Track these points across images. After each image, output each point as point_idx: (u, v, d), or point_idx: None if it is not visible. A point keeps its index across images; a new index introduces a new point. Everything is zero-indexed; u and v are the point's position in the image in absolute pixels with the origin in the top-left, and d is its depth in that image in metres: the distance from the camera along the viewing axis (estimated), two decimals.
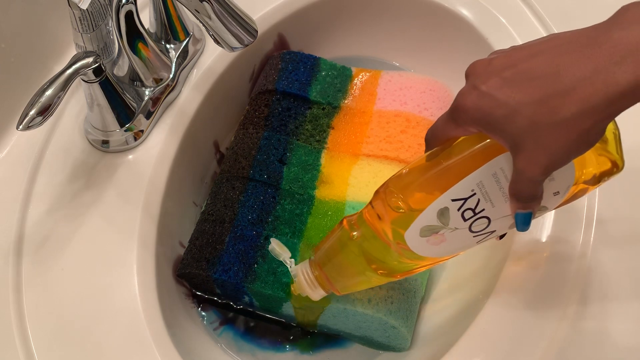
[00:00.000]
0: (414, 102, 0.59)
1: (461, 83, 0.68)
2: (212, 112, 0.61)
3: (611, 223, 0.50)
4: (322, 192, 0.55)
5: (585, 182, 0.40)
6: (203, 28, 0.47)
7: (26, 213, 0.52)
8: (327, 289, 0.45)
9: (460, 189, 0.38)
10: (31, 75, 0.56)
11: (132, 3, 0.49)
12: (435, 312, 0.55)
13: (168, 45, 0.58)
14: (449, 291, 0.56)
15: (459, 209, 0.38)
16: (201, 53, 0.60)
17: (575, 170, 0.39)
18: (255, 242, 0.52)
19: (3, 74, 0.54)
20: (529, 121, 0.33)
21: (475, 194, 0.38)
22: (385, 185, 0.41)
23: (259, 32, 0.48)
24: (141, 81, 0.55)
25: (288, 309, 0.53)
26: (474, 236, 0.40)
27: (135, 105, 0.54)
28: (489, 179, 0.38)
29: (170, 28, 0.57)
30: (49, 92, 0.44)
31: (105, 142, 0.54)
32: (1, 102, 0.54)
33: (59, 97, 0.44)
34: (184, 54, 0.58)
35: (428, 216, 0.39)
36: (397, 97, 0.60)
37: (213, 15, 0.45)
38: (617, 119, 0.55)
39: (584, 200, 0.51)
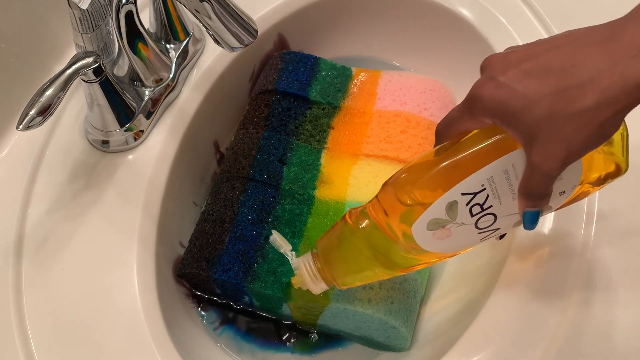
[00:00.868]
0: (414, 102, 0.59)
1: (461, 83, 0.68)
2: (212, 112, 0.61)
3: (611, 219, 0.50)
4: (322, 192, 0.55)
5: (589, 183, 0.40)
6: (203, 28, 0.47)
7: (26, 213, 0.52)
8: (329, 281, 0.45)
9: (471, 182, 0.38)
10: (31, 76, 0.56)
11: (132, 3, 0.49)
12: (435, 312, 0.55)
13: (168, 45, 0.58)
14: (449, 291, 0.56)
15: (467, 204, 0.38)
16: (201, 53, 0.60)
17: (582, 171, 0.39)
18: (255, 242, 0.52)
19: (3, 74, 0.54)
20: (546, 112, 0.33)
21: (485, 189, 0.38)
22: (394, 178, 0.41)
23: (259, 32, 0.48)
24: (141, 81, 0.55)
25: (288, 309, 0.53)
26: (478, 233, 0.40)
27: (135, 105, 0.54)
28: (500, 174, 0.38)
29: (170, 28, 0.57)
30: (49, 92, 0.44)
31: (105, 142, 0.54)
32: (1, 102, 0.54)
33: (59, 97, 0.44)
34: (184, 54, 0.58)
35: (437, 209, 0.39)
36: (397, 97, 0.60)
37: (213, 15, 0.45)
38: None
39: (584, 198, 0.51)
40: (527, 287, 0.48)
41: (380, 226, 0.41)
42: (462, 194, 0.38)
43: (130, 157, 0.55)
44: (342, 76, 0.62)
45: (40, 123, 0.44)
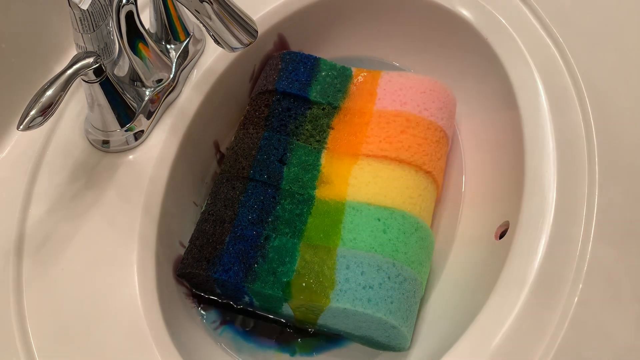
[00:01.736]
0: (414, 102, 0.59)
1: (461, 83, 0.69)
2: (213, 112, 0.61)
3: (611, 219, 0.50)
4: (322, 192, 0.55)
5: None
6: (203, 28, 0.47)
7: (27, 213, 0.52)
8: None
9: None
10: (32, 76, 0.56)
11: (133, 3, 0.50)
12: (435, 312, 0.55)
13: (168, 46, 0.58)
14: (449, 291, 0.56)
15: None
16: (201, 53, 0.60)
17: None
18: (255, 242, 0.52)
19: (3, 74, 0.54)
20: None
21: None
22: None
23: (259, 33, 0.48)
24: (141, 81, 0.55)
25: (288, 308, 0.53)
26: None
27: (135, 105, 0.54)
28: None
29: (171, 28, 0.57)
30: (49, 93, 0.44)
31: (105, 142, 0.54)
32: (2, 102, 0.55)
33: (59, 98, 0.45)
34: (184, 54, 0.58)
35: None
36: (397, 97, 0.60)
37: (213, 16, 0.45)
38: (617, 117, 0.55)
39: (583, 198, 0.51)
40: (527, 287, 0.48)
41: None
42: None
43: (130, 157, 0.55)
44: (342, 76, 0.62)
45: (41, 123, 0.44)
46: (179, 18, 0.57)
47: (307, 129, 0.59)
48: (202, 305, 0.57)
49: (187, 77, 0.59)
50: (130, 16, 0.50)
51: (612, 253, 0.49)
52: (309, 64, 0.62)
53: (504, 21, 0.61)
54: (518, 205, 0.52)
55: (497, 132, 0.61)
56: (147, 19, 0.56)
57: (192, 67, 0.59)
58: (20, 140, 0.55)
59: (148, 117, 0.55)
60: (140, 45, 0.53)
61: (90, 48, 0.53)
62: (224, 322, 0.56)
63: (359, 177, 0.56)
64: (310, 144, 0.58)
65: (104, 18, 0.52)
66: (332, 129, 0.59)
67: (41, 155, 0.54)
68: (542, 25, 0.60)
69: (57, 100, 0.44)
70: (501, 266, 0.50)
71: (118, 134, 0.54)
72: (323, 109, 0.60)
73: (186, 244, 0.56)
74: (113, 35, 0.54)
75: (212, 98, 0.60)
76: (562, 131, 0.55)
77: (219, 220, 0.54)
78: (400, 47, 0.68)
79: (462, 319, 0.49)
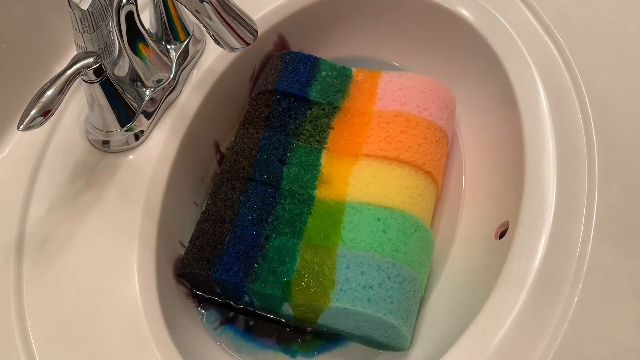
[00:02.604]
0: (414, 102, 0.59)
1: (461, 83, 0.68)
2: (213, 112, 0.61)
3: (611, 219, 0.50)
4: (322, 192, 0.55)
5: None
6: (203, 28, 0.47)
7: (27, 213, 0.52)
8: None
9: None
10: (32, 76, 0.56)
11: (133, 3, 0.50)
12: (435, 312, 0.55)
13: (168, 46, 0.58)
14: (449, 291, 0.56)
15: None
16: (201, 53, 0.60)
17: None
18: (255, 242, 0.52)
19: (4, 74, 0.54)
20: None
21: None
22: None
23: (259, 33, 0.48)
24: (142, 81, 0.55)
25: (288, 308, 0.53)
26: None
27: (135, 105, 0.54)
28: None
29: (171, 28, 0.57)
30: (49, 93, 0.44)
31: (105, 142, 0.54)
32: (2, 102, 0.55)
33: (59, 98, 0.45)
34: (184, 55, 0.58)
35: None
36: (397, 97, 0.60)
37: (213, 16, 0.45)
38: (617, 117, 0.55)
39: (583, 198, 0.51)
40: (527, 287, 0.48)
41: None
42: None
43: (130, 157, 0.55)
44: (342, 76, 0.62)
45: (41, 123, 0.44)
46: (179, 18, 0.57)
47: (307, 129, 0.59)
48: (202, 305, 0.57)
49: (187, 77, 0.59)
50: (130, 16, 0.50)
51: (612, 253, 0.49)
52: (309, 64, 0.62)
53: (504, 21, 0.61)
54: (518, 205, 0.52)
55: (497, 132, 0.61)
56: (147, 19, 0.56)
57: (192, 67, 0.59)
58: (20, 140, 0.55)
59: (148, 117, 0.55)
60: (141, 45, 0.53)
61: (90, 48, 0.53)
62: (224, 322, 0.56)
63: (359, 177, 0.56)
64: (310, 144, 0.58)
65: (104, 18, 0.52)
66: (332, 129, 0.59)
67: (41, 155, 0.54)
68: (542, 25, 0.60)
69: (58, 100, 0.44)
70: (501, 266, 0.50)
71: (118, 134, 0.54)
72: (323, 109, 0.60)
73: (186, 243, 0.56)
74: (113, 35, 0.54)
75: (212, 98, 0.60)
76: (562, 131, 0.55)
77: (219, 220, 0.54)
78: (400, 47, 0.69)
79: (462, 319, 0.49)
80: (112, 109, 0.52)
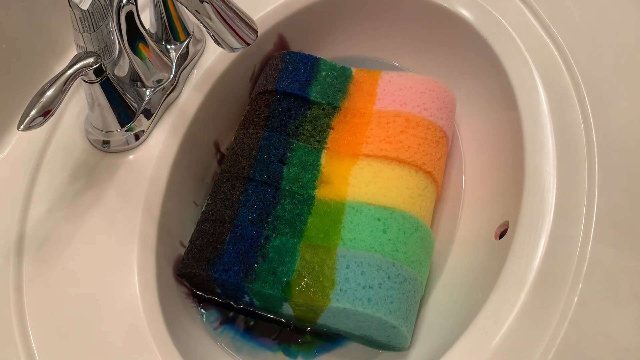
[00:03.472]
0: (414, 102, 0.59)
1: (461, 83, 0.68)
2: (213, 113, 0.61)
3: (611, 219, 0.50)
4: (322, 192, 0.55)
5: None
6: (203, 28, 0.47)
7: (27, 213, 0.52)
8: None
9: None
10: (32, 76, 0.56)
11: (133, 4, 0.50)
12: (435, 312, 0.55)
13: (168, 46, 0.58)
14: (449, 291, 0.56)
15: None
16: (201, 53, 0.60)
17: None
18: (255, 242, 0.52)
19: (4, 74, 0.54)
20: None
21: None
22: None
23: (259, 33, 0.48)
24: (142, 81, 0.55)
25: (288, 308, 0.53)
26: None
27: (135, 105, 0.54)
28: None
29: (171, 28, 0.57)
30: (49, 93, 0.44)
31: (106, 142, 0.54)
32: (2, 102, 0.55)
33: (59, 98, 0.45)
34: (184, 55, 0.58)
35: None
36: (397, 97, 0.60)
37: (213, 16, 0.45)
38: (617, 117, 0.55)
39: (583, 198, 0.51)
40: (527, 287, 0.48)
41: None
42: None
43: (130, 157, 0.55)
44: (342, 76, 0.62)
45: (41, 123, 0.44)
46: (179, 18, 0.57)
47: (307, 129, 0.59)
48: (202, 305, 0.57)
49: (187, 77, 0.59)
50: (130, 16, 0.50)
51: (611, 253, 0.49)
52: (309, 64, 0.62)
53: (503, 21, 0.61)
54: (518, 205, 0.52)
55: (497, 132, 0.61)
56: (147, 19, 0.56)
57: (192, 67, 0.59)
58: (20, 140, 0.55)
59: (148, 117, 0.55)
60: (141, 46, 0.53)
61: (90, 48, 0.53)
62: (224, 322, 0.56)
63: (359, 177, 0.56)
64: (310, 144, 0.58)
65: (104, 18, 0.52)
66: (332, 129, 0.59)
67: (41, 155, 0.54)
68: (542, 25, 0.61)
69: (58, 100, 0.44)
70: (501, 266, 0.50)
71: (118, 134, 0.54)
72: (323, 109, 0.60)
73: (186, 243, 0.56)
74: (113, 36, 0.54)
75: (212, 98, 0.60)
76: (562, 131, 0.55)
77: (219, 220, 0.54)
78: (400, 47, 0.69)
79: (462, 319, 0.49)
80: (112, 109, 0.52)
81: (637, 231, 0.50)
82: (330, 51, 0.68)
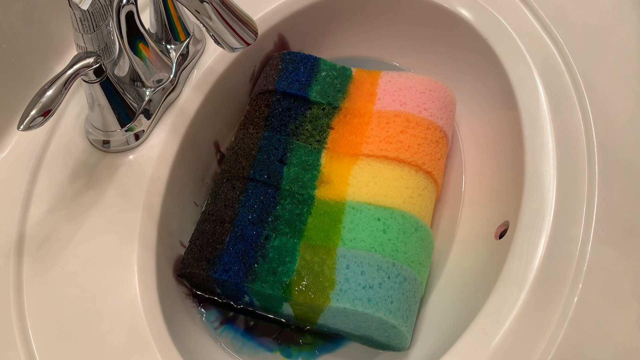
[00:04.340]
0: (414, 102, 0.59)
1: (461, 83, 0.68)
2: (213, 113, 0.61)
3: (611, 219, 0.50)
4: (322, 192, 0.55)
5: None
6: (203, 28, 0.47)
7: (27, 213, 0.52)
8: None
9: None
10: (32, 76, 0.56)
11: (133, 4, 0.50)
12: (435, 312, 0.55)
13: (168, 46, 0.58)
14: (449, 291, 0.56)
15: None
16: (201, 53, 0.60)
17: None
18: (255, 242, 0.52)
19: (4, 74, 0.54)
20: None
21: None
22: None
23: (259, 33, 0.48)
24: (142, 81, 0.55)
25: (288, 308, 0.53)
26: None
27: (135, 105, 0.54)
28: None
29: (171, 28, 0.57)
30: (49, 93, 0.44)
31: (106, 142, 0.54)
32: (2, 102, 0.55)
33: (60, 98, 0.45)
34: (184, 55, 0.58)
35: None
36: (397, 97, 0.60)
37: (213, 16, 0.45)
38: (617, 117, 0.55)
39: (583, 198, 0.51)
40: (527, 287, 0.48)
41: None
42: None
43: (130, 157, 0.55)
44: (342, 76, 0.62)
45: (41, 123, 0.44)
46: (179, 18, 0.57)
47: (307, 129, 0.59)
48: (202, 305, 0.57)
49: (188, 77, 0.59)
50: (130, 16, 0.50)
51: (612, 253, 0.49)
52: (309, 64, 0.62)
53: (503, 21, 0.61)
54: (518, 205, 0.52)
55: (497, 132, 0.61)
56: (147, 19, 0.56)
57: (193, 67, 0.59)
58: (20, 140, 0.55)
59: (148, 117, 0.55)
60: (141, 46, 0.53)
61: (90, 48, 0.53)
62: (224, 322, 0.56)
63: (359, 177, 0.56)
64: (310, 144, 0.58)
65: (104, 18, 0.52)
66: (332, 129, 0.59)
67: (41, 155, 0.54)
68: (541, 25, 0.61)
69: (58, 100, 0.44)
70: (501, 266, 0.50)
71: (118, 134, 0.54)
72: (323, 109, 0.60)
73: (186, 243, 0.56)
74: (113, 36, 0.54)
75: (212, 98, 0.60)
76: (562, 131, 0.55)
77: (219, 220, 0.54)
78: (400, 47, 0.69)
79: (462, 319, 0.49)
80: (112, 109, 0.52)
81: (637, 231, 0.50)
82: (330, 51, 0.68)
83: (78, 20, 0.51)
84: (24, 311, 0.48)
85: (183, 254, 0.55)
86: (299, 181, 0.56)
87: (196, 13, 0.45)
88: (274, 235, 0.53)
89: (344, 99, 0.60)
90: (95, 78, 0.49)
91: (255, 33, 0.47)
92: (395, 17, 0.67)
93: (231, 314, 0.57)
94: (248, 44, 0.47)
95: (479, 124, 0.64)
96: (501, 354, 0.46)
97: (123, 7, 0.49)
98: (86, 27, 0.51)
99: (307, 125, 0.59)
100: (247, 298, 0.54)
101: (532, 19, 0.61)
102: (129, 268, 0.50)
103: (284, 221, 0.54)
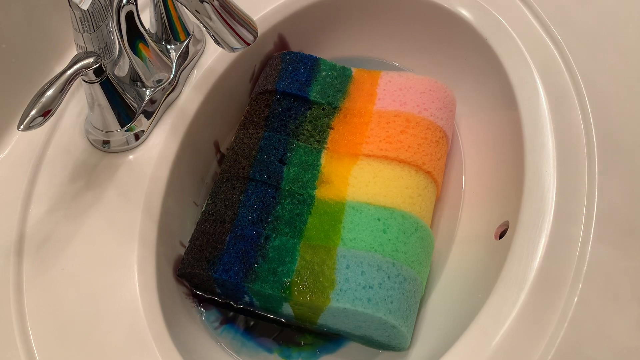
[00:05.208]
0: (414, 102, 0.59)
1: (461, 83, 0.68)
2: (213, 113, 0.61)
3: (611, 219, 0.50)
4: (322, 192, 0.55)
5: None
6: (203, 28, 0.47)
7: (27, 213, 0.52)
8: None
9: None
10: (32, 76, 0.56)
11: (133, 4, 0.50)
12: (435, 312, 0.55)
13: (168, 46, 0.58)
14: (449, 291, 0.56)
15: None
16: (201, 53, 0.60)
17: None
18: (255, 242, 0.52)
19: (4, 74, 0.54)
20: None
21: None
22: None
23: (259, 33, 0.48)
24: (142, 81, 0.55)
25: (288, 308, 0.53)
26: None
27: (135, 105, 0.54)
28: None
29: (171, 28, 0.57)
30: (49, 93, 0.44)
31: (106, 142, 0.54)
32: (2, 102, 0.55)
33: (59, 98, 0.45)
34: (184, 55, 0.58)
35: None
36: (397, 97, 0.60)
37: (213, 16, 0.45)
38: (617, 117, 0.55)
39: (583, 198, 0.51)
40: (527, 287, 0.48)
41: None
42: None
43: (130, 157, 0.55)
44: (342, 77, 0.62)
45: (41, 123, 0.44)
46: (179, 18, 0.57)
47: (307, 129, 0.59)
48: (202, 305, 0.57)
49: (188, 77, 0.59)
50: (130, 16, 0.50)
51: (611, 253, 0.49)
52: (309, 64, 0.62)
53: (504, 21, 0.61)
54: (518, 205, 0.52)
55: (497, 132, 0.61)
56: (147, 19, 0.56)
57: (192, 67, 0.59)
58: (20, 141, 0.55)
59: (148, 117, 0.55)
60: (141, 46, 0.53)
61: (90, 48, 0.53)
62: (224, 322, 0.56)
63: (359, 177, 0.56)
64: (310, 144, 0.58)
65: (104, 18, 0.52)
66: (332, 129, 0.59)
67: (41, 155, 0.54)
68: (541, 25, 0.61)
69: (58, 100, 0.44)
70: (501, 266, 0.50)
71: (118, 134, 0.54)
72: (323, 109, 0.60)
73: (186, 243, 0.56)
74: (113, 36, 0.54)
75: (212, 98, 0.60)
76: (562, 131, 0.55)
77: (219, 220, 0.54)
78: (400, 47, 0.69)
79: (462, 319, 0.49)
80: (112, 109, 0.52)
81: (637, 231, 0.50)
82: (330, 51, 0.68)
83: (78, 20, 0.51)
84: (24, 311, 0.48)
85: (183, 254, 0.55)
86: (299, 181, 0.56)
87: (196, 13, 0.45)
88: (274, 235, 0.53)
89: (344, 99, 0.60)
90: (95, 78, 0.49)
91: (255, 33, 0.47)
92: (395, 17, 0.67)
93: (231, 314, 0.57)
94: (248, 44, 0.47)
95: (479, 124, 0.64)
96: (501, 354, 0.46)
97: (123, 7, 0.49)
98: (86, 27, 0.51)
99: (307, 125, 0.59)
100: (247, 298, 0.54)
101: (532, 19, 0.61)
102: (129, 268, 0.50)
103: (284, 221, 0.54)
